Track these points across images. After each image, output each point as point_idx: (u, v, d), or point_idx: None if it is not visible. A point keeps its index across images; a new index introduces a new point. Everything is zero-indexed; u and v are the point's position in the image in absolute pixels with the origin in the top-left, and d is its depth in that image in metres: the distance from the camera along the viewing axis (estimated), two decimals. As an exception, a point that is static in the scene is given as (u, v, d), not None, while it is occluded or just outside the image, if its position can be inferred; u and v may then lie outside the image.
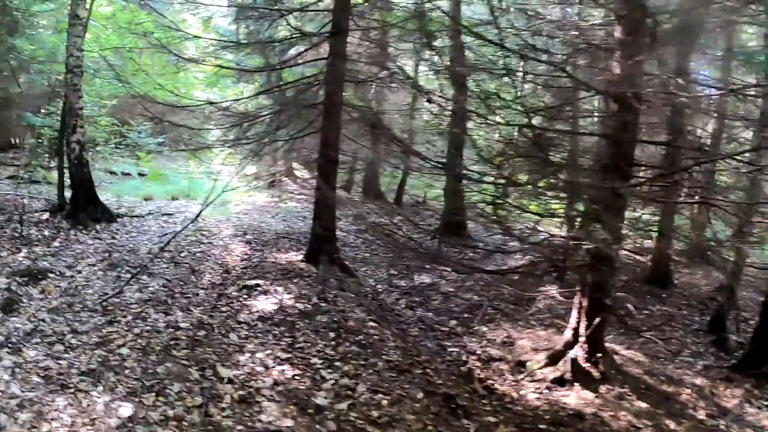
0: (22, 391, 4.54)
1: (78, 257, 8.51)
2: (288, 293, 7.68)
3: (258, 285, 7.79)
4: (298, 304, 7.34)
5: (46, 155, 15.74)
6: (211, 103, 9.92)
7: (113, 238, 9.88)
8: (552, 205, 7.37)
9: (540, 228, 7.64)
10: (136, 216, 11.44)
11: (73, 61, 10.28)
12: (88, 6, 11.28)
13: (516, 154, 6.76)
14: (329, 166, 9.25)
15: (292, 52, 10.66)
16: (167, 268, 8.45)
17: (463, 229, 13.79)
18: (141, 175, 16.93)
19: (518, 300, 9.46)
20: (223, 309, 7.02)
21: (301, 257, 9.52)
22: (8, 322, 5.86)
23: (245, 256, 9.62)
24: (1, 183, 14.10)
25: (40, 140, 16.04)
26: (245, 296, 7.52)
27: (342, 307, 7.52)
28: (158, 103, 9.32)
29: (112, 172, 16.80)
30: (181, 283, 7.82)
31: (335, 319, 7.05)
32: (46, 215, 10.31)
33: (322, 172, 9.36)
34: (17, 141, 18.89)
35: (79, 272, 7.91)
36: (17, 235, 9.02)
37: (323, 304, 7.47)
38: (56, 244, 9.04)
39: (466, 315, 8.98)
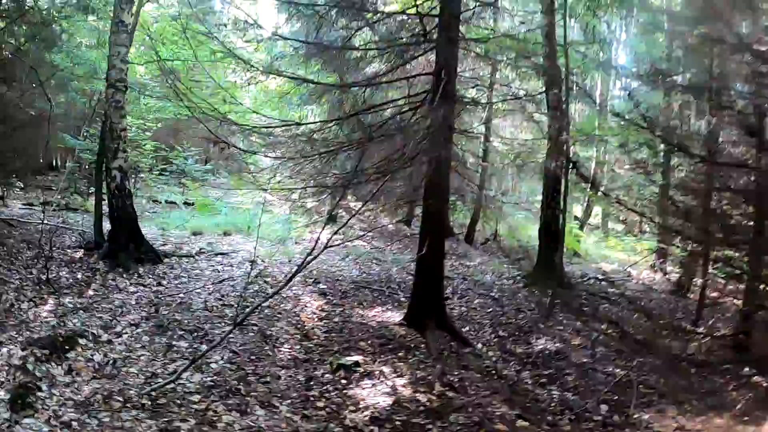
0: None
1: (117, 312, 6.57)
2: (399, 376, 5.62)
3: (357, 364, 5.72)
4: (418, 395, 5.26)
5: (85, 180, 14.09)
6: (297, 124, 7.94)
7: (159, 284, 7.95)
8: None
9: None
10: (185, 255, 9.50)
11: (115, 74, 8.53)
12: (134, 11, 9.60)
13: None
14: (437, 207, 7.23)
15: (370, 69, 8.76)
16: (230, 326, 6.45)
17: (559, 272, 11.55)
18: (187, 204, 15.15)
19: (676, 374, 7.23)
20: (319, 404, 4.96)
21: (397, 318, 7.50)
22: (19, 429, 3.84)
23: (324, 314, 7.61)
24: (35, 209, 12.42)
25: (79, 164, 14.42)
26: (343, 381, 5.46)
27: (476, 397, 5.39)
28: (237, 125, 7.28)
29: (155, 201, 15.04)
30: (253, 357, 5.81)
31: (476, 418, 4.93)
32: (80, 253, 8.47)
33: (429, 214, 7.32)
34: (57, 163, 17.37)
35: (119, 335, 5.95)
36: (43, 278, 7.13)
37: (451, 394, 5.39)
38: (90, 292, 7.13)
39: (616, 397, 6.77)
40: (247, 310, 6.06)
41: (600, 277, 13.17)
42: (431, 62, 8.05)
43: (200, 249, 10.12)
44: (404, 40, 7.73)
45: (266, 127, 8.24)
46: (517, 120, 15.48)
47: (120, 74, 8.62)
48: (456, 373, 6.05)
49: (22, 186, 13.74)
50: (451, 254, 13.57)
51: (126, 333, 6.03)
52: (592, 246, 18.14)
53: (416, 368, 5.92)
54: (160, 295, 7.47)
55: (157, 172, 15.48)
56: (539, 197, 12.85)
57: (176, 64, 12.52)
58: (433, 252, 7.12)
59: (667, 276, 13.69)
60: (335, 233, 4.76)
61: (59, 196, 14.11)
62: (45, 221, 8.51)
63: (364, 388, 5.31)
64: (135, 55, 11.97)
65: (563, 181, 9.99)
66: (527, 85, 12.18)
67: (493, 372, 6.71)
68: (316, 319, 7.44)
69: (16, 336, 5.33)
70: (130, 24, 9.26)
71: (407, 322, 7.33)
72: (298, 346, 6.33)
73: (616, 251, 18.16)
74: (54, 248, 8.77)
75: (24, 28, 10.25)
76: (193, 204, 15.16)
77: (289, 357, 5.94)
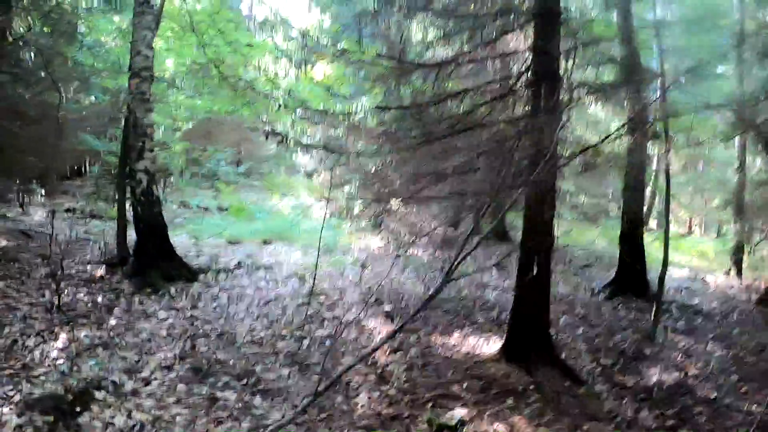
0: None
1: (144, 348, 5.22)
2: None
3: (462, 423, 4.27)
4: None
5: (112, 185, 12.86)
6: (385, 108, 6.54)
7: (195, 307, 6.59)
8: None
9: None
10: (223, 270, 8.14)
11: (140, 62, 7.21)
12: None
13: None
14: (545, 214, 5.74)
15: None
16: (287, 367, 5.08)
17: (643, 284, 9.96)
18: (221, 209, 13.85)
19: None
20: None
21: (486, 348, 6.08)
22: None
23: (397, 346, 6.17)
24: (57, 217, 11.21)
25: (104, 168, 13.22)
26: (450, 450, 3.99)
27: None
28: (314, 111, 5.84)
29: (186, 205, 13.77)
30: (323, 414, 4.40)
31: None
32: (101, 270, 7.16)
33: (534, 223, 5.83)
34: (86, 168, 16.23)
35: (146, 383, 4.59)
36: (56, 303, 5.82)
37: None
38: (112, 321, 5.78)
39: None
40: (329, 379, 4.52)
41: (683, 287, 11.59)
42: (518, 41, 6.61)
43: (239, 261, 8.76)
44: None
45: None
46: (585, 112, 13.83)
47: (145, 61, 7.30)
48: (585, 427, 4.59)
49: (44, 192, 12.58)
50: (508, 262, 12.10)
51: (156, 379, 4.66)
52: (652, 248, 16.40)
53: (537, 422, 4.47)
54: (196, 322, 6.11)
55: (189, 175, 14.19)
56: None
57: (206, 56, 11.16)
58: (539, 270, 5.64)
59: (747, 284, 12.07)
60: (453, 267, 3.11)
61: (83, 202, 12.95)
62: (59, 233, 7.13)
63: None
64: (161, 49, 10.60)
65: (666, 182, 8.42)
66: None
67: (616, 415, 5.25)
68: (389, 352, 6.00)
69: (13, 393, 3.97)
70: (156, 4, 7.94)
71: (506, 356, 5.86)
72: (377, 393, 4.90)
73: (678, 254, 16.41)
74: (72, 263, 7.50)
75: (40, 20, 9.03)
76: (227, 209, 13.86)
77: (370, 412, 4.50)
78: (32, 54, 8.36)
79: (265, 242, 10.61)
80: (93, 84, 11.83)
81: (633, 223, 10.13)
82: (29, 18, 8.81)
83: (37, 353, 4.87)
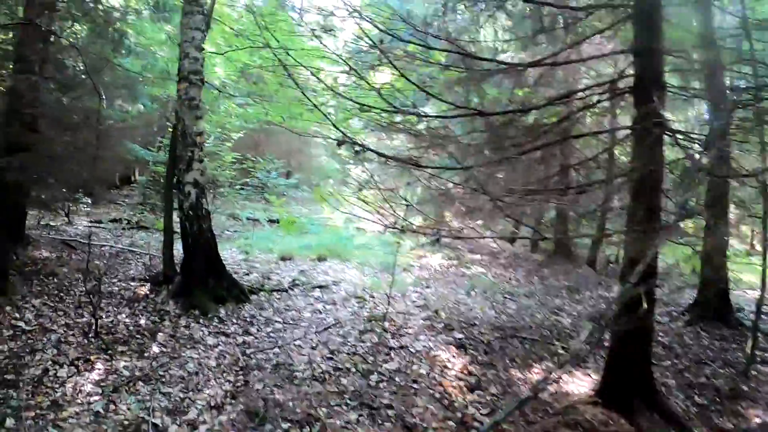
0: None
1: (191, 383, 4.50)
2: None
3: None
4: None
5: (160, 196, 12.39)
6: (479, 113, 5.74)
7: (247, 332, 5.87)
8: None
9: None
10: (276, 290, 7.43)
11: (189, 65, 6.61)
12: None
13: None
14: (649, 232, 4.80)
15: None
16: (355, 411, 4.28)
17: (727, 308, 8.83)
18: (271, 222, 13.23)
19: None
20: None
21: (573, 386, 5.15)
22: None
23: (474, 380, 5.34)
24: (102, 228, 10.75)
25: (152, 177, 12.77)
26: None
27: None
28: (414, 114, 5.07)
29: (235, 218, 13.19)
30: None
31: None
32: (145, 288, 6.53)
33: (635, 257, 4.88)
34: (134, 177, 15.92)
35: (193, 428, 3.87)
36: (94, 328, 5.17)
37: None
38: (155, 348, 5.10)
39: None
40: None
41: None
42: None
43: (293, 280, 8.05)
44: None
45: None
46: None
47: (194, 65, 6.70)
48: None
49: (90, 202, 12.18)
50: (579, 282, 11.10)
51: (204, 422, 3.93)
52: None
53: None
54: (248, 350, 5.38)
55: (238, 187, 13.62)
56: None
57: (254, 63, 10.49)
58: (640, 301, 4.70)
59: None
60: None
61: (131, 213, 12.50)
62: (103, 245, 6.52)
63: None
64: (211, 56, 10.00)
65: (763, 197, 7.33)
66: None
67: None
68: (466, 390, 5.16)
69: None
70: (207, 3, 7.35)
71: (603, 399, 4.93)
72: (463, 448, 4.05)
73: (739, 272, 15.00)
74: (114, 279, 6.90)
75: (87, 26, 8.57)
76: (277, 221, 13.23)
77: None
78: (76, 59, 7.85)
79: (320, 258, 9.88)
80: (140, 92, 11.41)
81: (718, 240, 9.04)
82: (74, 23, 8.36)
83: (69, 387, 4.21)
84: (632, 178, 4.81)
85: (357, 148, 4.35)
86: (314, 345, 5.72)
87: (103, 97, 6.49)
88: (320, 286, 7.93)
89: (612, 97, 5.41)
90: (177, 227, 7.15)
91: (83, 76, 8.53)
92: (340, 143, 4.56)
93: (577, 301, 9.50)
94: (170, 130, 7.70)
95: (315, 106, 5.02)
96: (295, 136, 18.94)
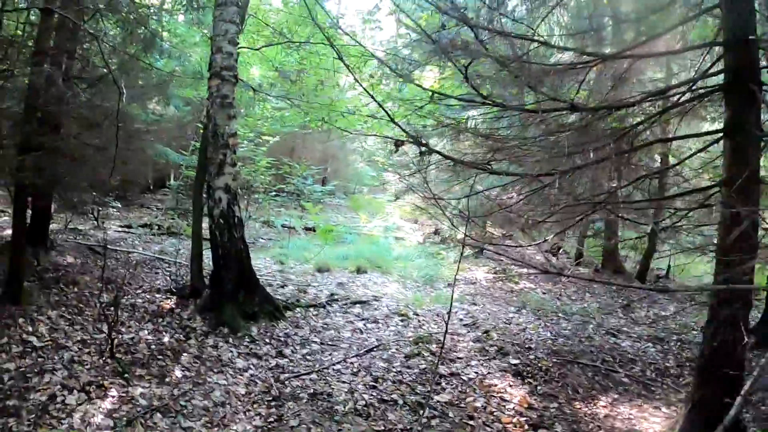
0: None
1: (216, 415, 3.90)
2: None
3: None
4: None
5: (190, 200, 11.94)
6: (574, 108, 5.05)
7: (280, 354, 5.26)
8: None
9: None
10: (313, 305, 6.81)
11: (221, 60, 6.05)
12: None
13: None
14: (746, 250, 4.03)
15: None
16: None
17: None
18: (307, 230, 12.66)
19: None
20: None
21: (656, 427, 4.40)
22: None
23: (536, 416, 4.65)
24: (132, 233, 10.30)
25: (184, 182, 12.33)
26: None
27: None
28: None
29: (270, 225, 12.67)
30: None
31: None
32: (171, 301, 5.96)
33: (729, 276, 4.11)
34: (169, 181, 15.55)
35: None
36: (109, 348, 4.60)
37: None
38: (178, 373, 4.51)
39: None
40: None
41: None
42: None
43: (331, 294, 7.43)
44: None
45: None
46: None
47: (228, 60, 6.14)
48: None
49: (120, 206, 11.78)
50: (630, 298, 10.24)
51: (229, 470, 3.30)
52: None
53: None
54: (282, 375, 4.77)
55: (273, 193, 13.10)
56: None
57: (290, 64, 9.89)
58: (732, 330, 3.96)
59: None
60: None
61: (162, 218, 12.06)
62: (129, 251, 6.00)
63: None
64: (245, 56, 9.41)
65: None
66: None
67: None
68: (528, 427, 4.45)
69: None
70: (241, -5, 6.81)
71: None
72: None
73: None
74: (139, 290, 6.37)
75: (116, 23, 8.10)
76: (313, 229, 12.65)
77: None
78: (101, 55, 7.37)
79: (359, 271, 9.24)
80: (172, 93, 10.96)
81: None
82: (102, 20, 7.90)
83: (77, 417, 3.65)
84: (728, 188, 4.06)
85: (422, 148, 3.69)
86: (356, 370, 5.08)
87: (124, 91, 5.98)
88: (360, 302, 7.29)
89: (699, 97, 4.67)
90: (208, 234, 6.61)
91: (110, 75, 8.08)
92: (398, 144, 3.91)
93: (633, 321, 8.70)
94: (202, 131, 7.16)
95: (372, 97, 4.36)
96: (331, 141, 18.46)
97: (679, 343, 7.40)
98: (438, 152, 3.94)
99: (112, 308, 4.62)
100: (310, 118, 9.65)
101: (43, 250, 7.50)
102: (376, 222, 15.92)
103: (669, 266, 14.38)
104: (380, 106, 4.66)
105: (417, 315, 7.13)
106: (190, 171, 11.48)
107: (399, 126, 3.85)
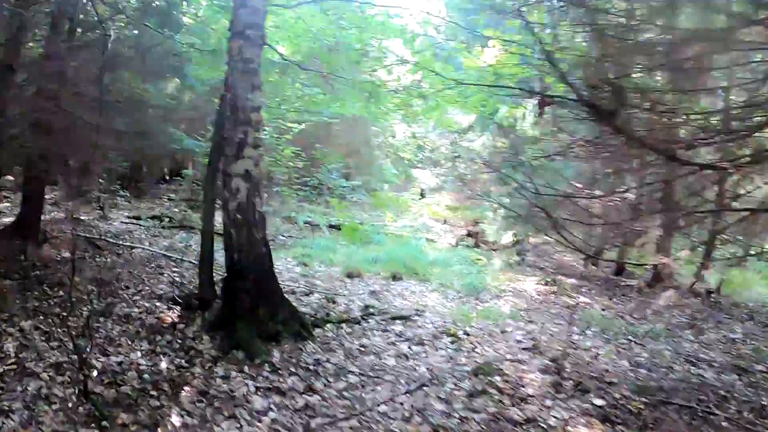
0: None
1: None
2: None
3: None
4: None
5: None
6: None
7: (310, 390, 4.09)
8: None
9: None
10: (346, 321, 5.64)
11: (246, 16, 4.87)
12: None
13: None
14: None
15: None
16: None
17: None
18: (332, 227, 11.50)
19: None
20: None
21: None
22: None
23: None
24: (140, 225, 9.21)
25: (199, 170, 11.25)
26: None
27: None
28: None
29: (292, 221, 11.54)
30: None
31: None
32: (174, 313, 4.82)
33: None
34: (188, 169, 14.35)
35: None
36: (82, 389, 3.46)
37: None
38: (174, 420, 3.34)
39: None
40: None
41: None
42: None
43: (365, 306, 6.28)
44: None
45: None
46: None
47: (253, 16, 4.95)
48: None
49: (129, 195, 10.72)
50: (696, 318, 8.97)
51: None
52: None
53: None
54: (313, 421, 3.60)
55: (296, 186, 11.95)
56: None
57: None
58: None
59: None
60: None
61: (175, 209, 10.99)
62: (135, 245, 4.94)
63: None
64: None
65: None
66: None
67: None
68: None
69: None
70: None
71: None
72: None
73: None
74: (137, 296, 5.25)
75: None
76: (338, 227, 11.50)
77: None
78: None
79: (394, 278, 8.05)
80: (188, 73, 9.75)
81: None
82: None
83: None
84: None
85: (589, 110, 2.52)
86: (407, 415, 3.90)
87: (111, 34, 4.85)
88: (401, 317, 6.11)
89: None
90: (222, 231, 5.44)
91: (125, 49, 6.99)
92: (543, 103, 2.74)
93: (706, 345, 7.43)
94: (218, 105, 5.98)
95: (435, 72, 3.17)
96: (356, 135, 17.27)
97: (763, 373, 6.15)
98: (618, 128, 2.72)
99: (85, 331, 3.46)
100: (346, 101, 8.45)
101: (34, 244, 6.48)
102: (403, 221, 14.75)
103: (722, 280, 13.05)
104: (440, 75, 3.48)
105: (468, 335, 5.96)
106: (207, 159, 10.35)
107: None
